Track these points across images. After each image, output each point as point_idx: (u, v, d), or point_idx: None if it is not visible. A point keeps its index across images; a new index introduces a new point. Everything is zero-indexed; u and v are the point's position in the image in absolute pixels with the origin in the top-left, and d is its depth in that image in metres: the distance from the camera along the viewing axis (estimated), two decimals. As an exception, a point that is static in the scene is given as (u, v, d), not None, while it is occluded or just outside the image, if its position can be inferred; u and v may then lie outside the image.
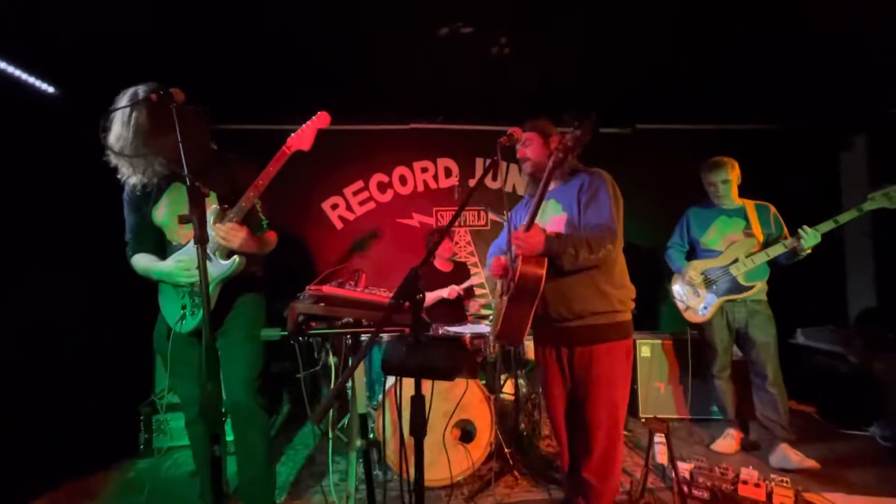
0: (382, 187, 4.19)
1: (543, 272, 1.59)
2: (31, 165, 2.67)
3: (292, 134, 1.77)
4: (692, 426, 3.13)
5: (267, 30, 2.74)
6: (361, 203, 4.16)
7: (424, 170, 4.22)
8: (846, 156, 4.34)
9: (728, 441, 2.75)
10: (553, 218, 1.77)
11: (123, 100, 1.53)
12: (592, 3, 2.59)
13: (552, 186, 1.81)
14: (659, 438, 2.54)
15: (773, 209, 2.70)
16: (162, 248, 1.78)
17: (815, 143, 4.21)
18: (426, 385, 2.48)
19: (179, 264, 1.68)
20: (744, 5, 2.55)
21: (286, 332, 1.38)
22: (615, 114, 4.17)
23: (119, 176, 1.70)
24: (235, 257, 1.69)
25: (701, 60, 3.18)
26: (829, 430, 3.00)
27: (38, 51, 2.59)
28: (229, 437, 2.18)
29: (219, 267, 1.69)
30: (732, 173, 2.70)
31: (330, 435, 2.23)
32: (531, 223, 1.60)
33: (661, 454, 2.52)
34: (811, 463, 2.44)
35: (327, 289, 1.40)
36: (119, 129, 1.54)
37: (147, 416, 2.95)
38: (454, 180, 4.18)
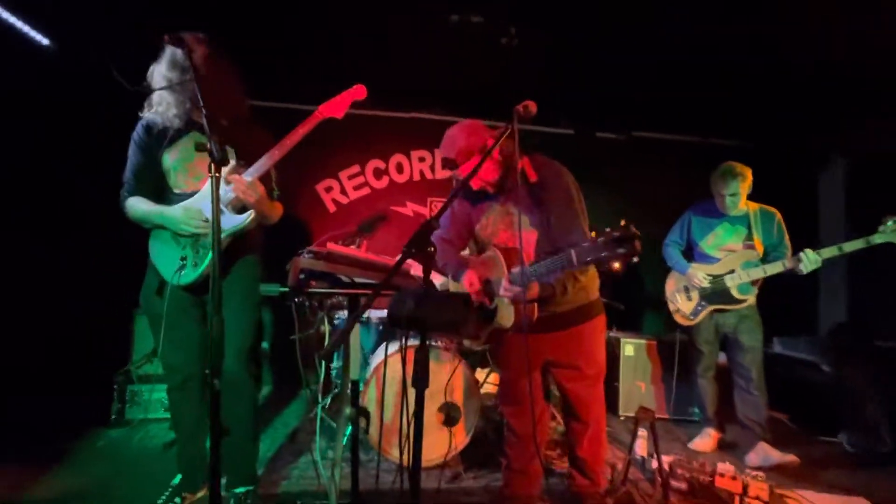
0: (378, 173, 4.17)
1: (536, 310, 1.69)
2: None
3: (325, 102, 1.76)
4: (671, 426, 3.19)
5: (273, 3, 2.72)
6: (356, 188, 4.13)
7: (422, 159, 4.22)
8: (824, 175, 4.50)
9: (706, 440, 2.80)
10: (519, 233, 1.71)
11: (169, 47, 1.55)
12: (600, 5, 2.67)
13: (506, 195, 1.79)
14: (641, 432, 2.58)
15: (778, 216, 2.65)
16: (160, 195, 1.72)
17: (793, 162, 4.34)
18: (411, 363, 2.49)
19: (189, 212, 1.63)
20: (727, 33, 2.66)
21: (286, 289, 1.36)
22: (613, 120, 4.27)
23: (142, 112, 1.69)
24: (250, 212, 1.66)
25: (689, 72, 3.30)
26: (802, 435, 3.09)
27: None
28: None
29: (232, 220, 1.65)
30: (743, 185, 2.60)
31: (319, 408, 2.18)
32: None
33: (640, 447, 2.57)
34: (792, 457, 2.50)
35: (332, 246, 1.38)
36: (164, 69, 1.58)
37: (121, 385, 2.86)
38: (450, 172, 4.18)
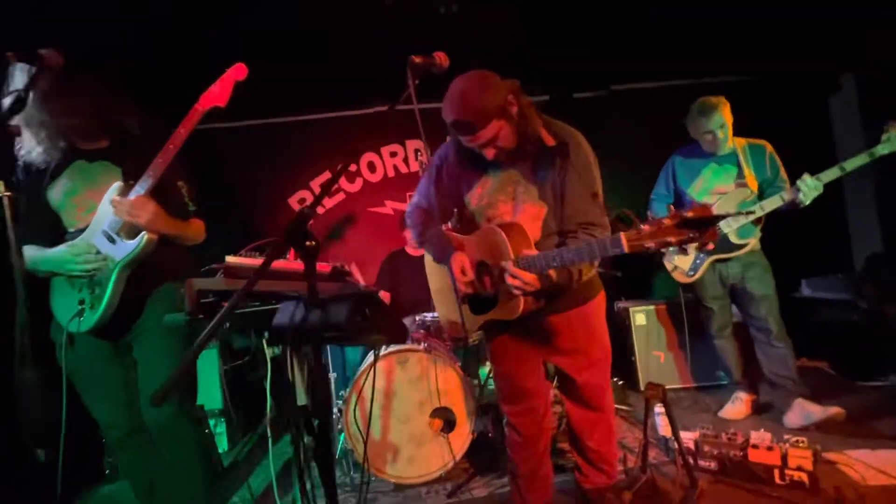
0: (350, 176, 3.97)
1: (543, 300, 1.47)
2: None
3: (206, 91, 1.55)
4: (697, 394, 2.90)
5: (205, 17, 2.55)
6: (330, 195, 3.94)
7: (393, 154, 4.00)
8: (835, 99, 4.11)
9: (738, 405, 2.51)
10: (524, 206, 1.47)
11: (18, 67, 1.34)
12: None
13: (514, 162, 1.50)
14: (659, 409, 2.32)
15: (769, 148, 2.40)
16: (59, 238, 1.55)
17: (799, 91, 3.97)
18: (392, 372, 2.25)
19: (73, 248, 1.46)
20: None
21: (188, 317, 1.16)
22: (589, 77, 3.97)
23: (18, 150, 1.51)
24: (143, 234, 1.46)
25: (672, 9, 2.98)
26: (845, 383, 2.77)
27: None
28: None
29: (124, 248, 1.46)
30: (725, 113, 2.36)
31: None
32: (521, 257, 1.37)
33: (662, 426, 2.30)
34: (836, 410, 2.20)
35: (230, 259, 1.17)
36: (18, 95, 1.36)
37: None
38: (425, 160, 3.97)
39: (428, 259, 1.72)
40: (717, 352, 2.59)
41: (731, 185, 2.40)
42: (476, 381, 2.57)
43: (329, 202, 3.93)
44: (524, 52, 3.33)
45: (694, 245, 2.46)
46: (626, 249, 1.15)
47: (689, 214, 1.07)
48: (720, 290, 2.48)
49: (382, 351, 2.22)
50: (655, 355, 3.07)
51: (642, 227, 1.12)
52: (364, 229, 3.90)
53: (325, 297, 0.86)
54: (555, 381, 1.92)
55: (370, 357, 2.35)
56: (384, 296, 3.13)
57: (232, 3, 2.65)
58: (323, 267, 1.22)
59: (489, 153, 1.42)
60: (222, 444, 2.95)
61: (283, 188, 3.91)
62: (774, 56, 3.69)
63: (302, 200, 3.92)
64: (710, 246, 2.40)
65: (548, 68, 3.68)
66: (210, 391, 2.92)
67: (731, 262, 2.42)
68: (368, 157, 3.98)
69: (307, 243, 0.84)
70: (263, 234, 3.82)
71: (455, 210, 1.63)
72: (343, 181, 3.95)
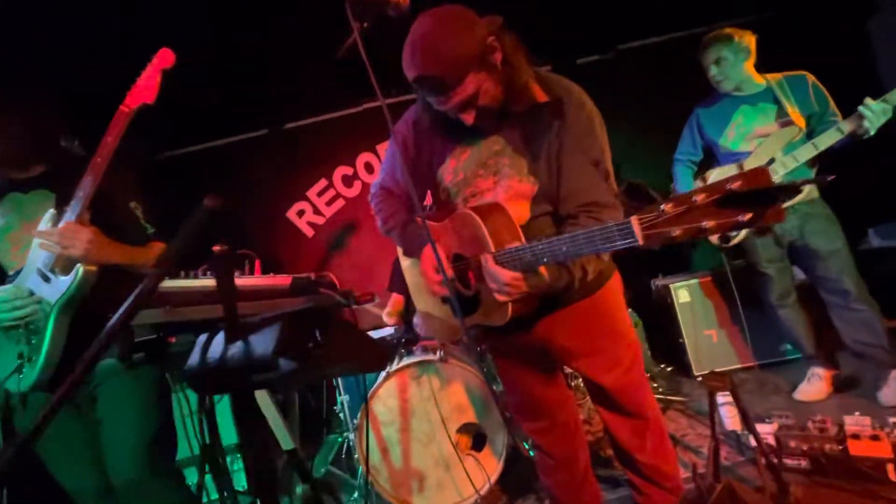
0: (348, 181, 3.73)
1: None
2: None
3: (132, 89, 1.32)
4: (763, 374, 2.52)
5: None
6: (329, 203, 3.71)
7: (389, 151, 3.74)
8: (874, 20, 3.63)
9: (816, 384, 2.13)
10: (510, 182, 1.17)
11: None
12: None
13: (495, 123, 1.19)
14: (724, 398, 1.98)
15: (810, 78, 2.04)
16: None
17: (829, 18, 3.50)
18: (406, 390, 1.93)
19: (1, 294, 1.25)
20: None
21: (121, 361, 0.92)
22: (592, 38, 3.62)
23: None
24: (79, 267, 1.23)
25: None
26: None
27: None
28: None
29: (57, 287, 1.23)
30: (726, 48, 2.07)
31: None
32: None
33: (730, 418, 1.96)
34: None
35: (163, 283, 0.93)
36: None
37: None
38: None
39: (400, 251, 1.45)
40: (781, 323, 2.22)
41: (773, 124, 2.04)
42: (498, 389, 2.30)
43: (328, 210, 3.70)
44: (519, 16, 3.03)
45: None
46: (640, 241, 0.80)
47: (736, 185, 0.70)
48: (776, 251, 2.12)
49: (394, 366, 1.96)
50: (707, 335, 2.70)
51: (663, 206, 0.76)
52: (368, 235, 3.65)
53: (247, 323, 0.59)
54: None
55: (384, 371, 2.09)
56: (397, 300, 2.87)
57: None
58: (279, 280, 0.96)
59: (468, 118, 1.12)
60: (240, 482, 2.74)
61: (280, 202, 3.71)
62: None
63: (301, 213, 3.70)
64: (768, 233, 2.05)
65: (545, 34, 3.36)
66: (226, 425, 2.73)
67: (787, 216, 2.05)
68: (364, 157, 3.74)
69: (215, 249, 0.57)
70: (264, 254, 3.63)
71: (430, 192, 1.35)
72: (340, 186, 3.71)
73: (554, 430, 1.39)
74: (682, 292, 2.73)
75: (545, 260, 0.99)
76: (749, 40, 2.11)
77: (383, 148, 3.73)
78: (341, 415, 2.45)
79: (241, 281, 0.99)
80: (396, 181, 1.35)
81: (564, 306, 1.23)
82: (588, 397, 1.84)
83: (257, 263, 1.48)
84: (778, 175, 2.00)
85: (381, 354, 1.05)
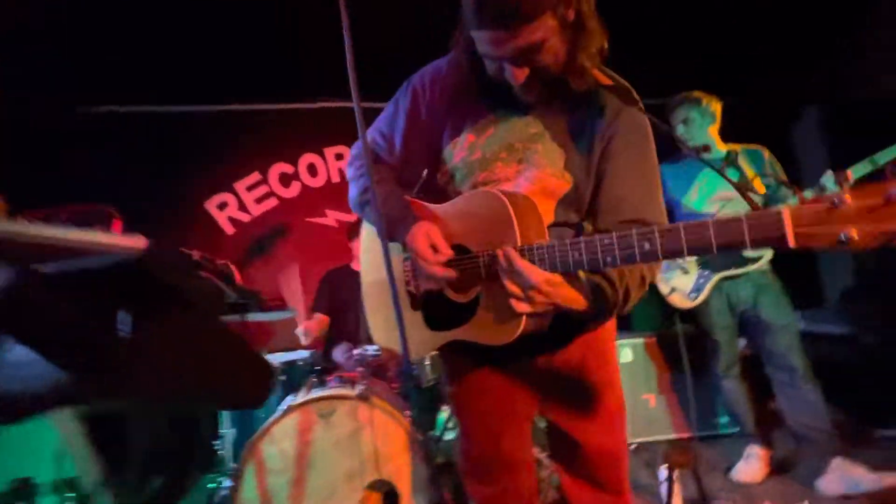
0: (286, 179, 3.33)
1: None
2: None
3: None
4: (699, 447, 2.40)
5: None
6: (259, 200, 3.27)
7: (339, 156, 3.42)
8: (798, 126, 4.05)
9: (753, 464, 2.03)
10: (536, 173, 0.93)
11: None
12: None
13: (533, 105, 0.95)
14: (665, 472, 1.78)
15: (766, 153, 2.08)
16: None
17: (760, 114, 3.85)
18: (309, 431, 1.61)
19: None
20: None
21: None
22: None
23: None
24: None
25: (631, 28, 2.73)
26: (862, 431, 2.37)
27: None
28: None
29: None
30: (694, 109, 2.07)
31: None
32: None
33: (671, 496, 1.76)
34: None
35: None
36: None
37: None
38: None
39: (365, 235, 1.15)
40: (724, 395, 2.13)
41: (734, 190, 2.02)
42: (431, 434, 1.95)
43: (256, 209, 3.26)
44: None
45: (694, 261, 2.08)
46: (791, 241, 0.62)
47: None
48: (728, 318, 2.05)
49: (298, 398, 1.56)
50: (644, 399, 2.57)
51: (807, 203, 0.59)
52: (299, 243, 3.23)
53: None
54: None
55: (285, 403, 1.67)
56: (321, 319, 2.48)
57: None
58: (124, 241, 0.60)
59: (519, 74, 0.85)
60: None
61: (199, 189, 3.20)
62: (731, 83, 3.58)
63: (223, 205, 3.22)
64: None
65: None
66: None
67: (742, 283, 2.01)
68: (309, 158, 3.38)
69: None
70: (171, 245, 3.06)
71: (426, 171, 1.06)
72: (276, 184, 3.30)
73: (504, 499, 1.09)
74: (626, 351, 2.60)
75: (603, 263, 0.75)
76: (716, 106, 2.14)
77: (332, 152, 3.40)
78: (222, 452, 1.96)
79: (50, 230, 0.60)
80: (392, 146, 1.07)
81: (580, 335, 0.98)
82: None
83: (117, 223, 1.07)
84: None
85: (255, 382, 0.68)
